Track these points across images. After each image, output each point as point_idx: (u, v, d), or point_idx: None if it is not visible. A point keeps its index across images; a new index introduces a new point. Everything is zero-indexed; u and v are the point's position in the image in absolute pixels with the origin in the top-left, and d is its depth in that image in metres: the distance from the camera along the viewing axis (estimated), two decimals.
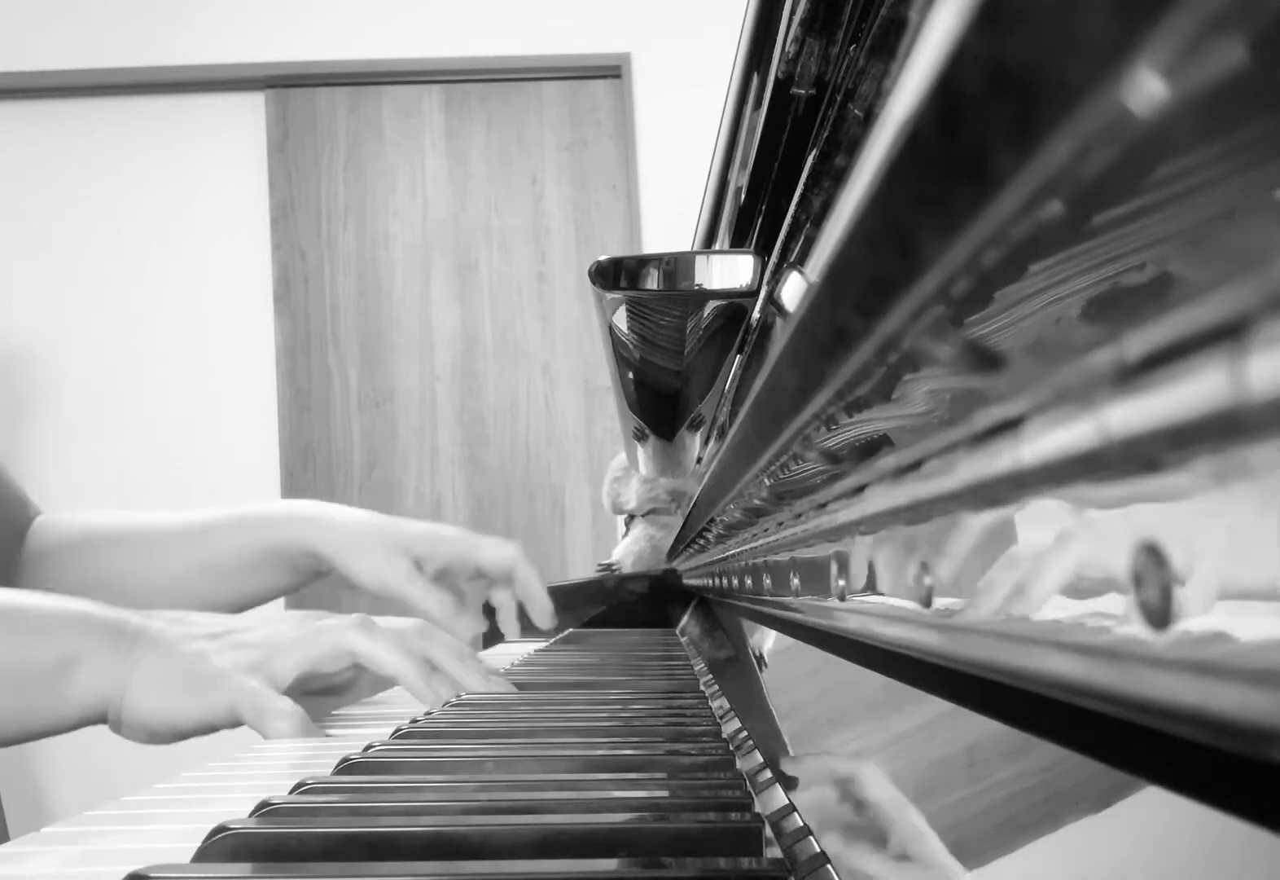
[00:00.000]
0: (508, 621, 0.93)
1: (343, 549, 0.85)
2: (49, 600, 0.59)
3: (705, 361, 0.52)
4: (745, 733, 0.47)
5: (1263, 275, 0.09)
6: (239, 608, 0.87)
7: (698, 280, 0.42)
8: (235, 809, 0.35)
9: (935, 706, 0.24)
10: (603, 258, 0.43)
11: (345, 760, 0.42)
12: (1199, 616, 0.11)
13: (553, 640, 1.14)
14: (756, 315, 0.41)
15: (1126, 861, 0.15)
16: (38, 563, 0.87)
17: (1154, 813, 0.14)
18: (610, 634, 1.20)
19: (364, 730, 0.60)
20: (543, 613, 0.93)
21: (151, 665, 0.58)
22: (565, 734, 0.50)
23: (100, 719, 0.59)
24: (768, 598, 0.50)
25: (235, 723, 0.58)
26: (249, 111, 2.73)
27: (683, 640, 1.08)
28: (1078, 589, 0.14)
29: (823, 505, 0.32)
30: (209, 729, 0.58)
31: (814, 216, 0.27)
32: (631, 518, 1.45)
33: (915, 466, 0.21)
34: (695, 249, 0.52)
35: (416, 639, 0.66)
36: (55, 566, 0.86)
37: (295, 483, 2.64)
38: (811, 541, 0.36)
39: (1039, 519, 0.16)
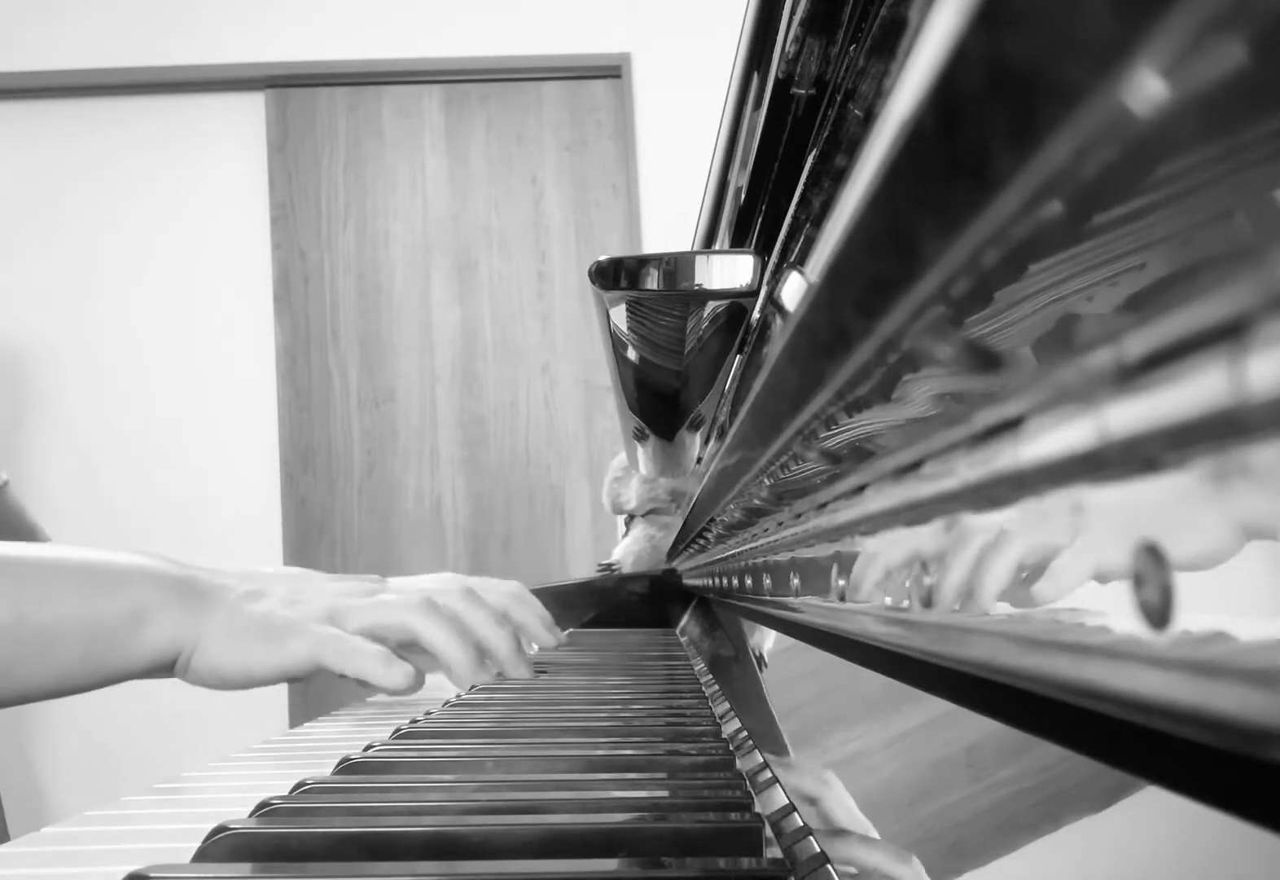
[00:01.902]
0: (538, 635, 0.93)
1: None
2: (120, 555, 0.62)
3: (705, 361, 0.52)
4: (745, 733, 0.47)
5: (1263, 275, 0.09)
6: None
7: (698, 280, 0.42)
8: (235, 809, 0.35)
9: (935, 706, 0.24)
10: (603, 258, 0.43)
11: (345, 760, 0.42)
12: (1199, 616, 0.11)
13: None
14: (756, 315, 0.41)
15: (1126, 861, 0.15)
16: None
17: (1154, 813, 0.14)
18: (610, 634, 1.20)
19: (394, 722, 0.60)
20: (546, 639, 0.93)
21: (225, 619, 0.61)
22: (565, 734, 0.50)
23: (168, 668, 0.61)
24: (768, 598, 0.50)
25: (313, 669, 0.61)
26: (249, 111, 2.73)
27: (683, 640, 1.08)
28: (1077, 589, 0.14)
29: (823, 505, 0.32)
30: (285, 676, 0.61)
31: (814, 216, 0.27)
32: (631, 518, 1.45)
33: (915, 466, 0.21)
34: (695, 249, 0.52)
35: (471, 611, 0.68)
36: None
37: (295, 483, 2.64)
38: (811, 541, 0.36)
39: (1039, 519, 0.16)
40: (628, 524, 1.48)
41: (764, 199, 0.46)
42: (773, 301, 0.32)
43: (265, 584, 0.65)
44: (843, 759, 0.32)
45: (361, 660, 0.60)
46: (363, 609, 0.64)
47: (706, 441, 0.67)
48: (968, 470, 0.18)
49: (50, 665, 0.57)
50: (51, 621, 0.57)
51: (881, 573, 0.26)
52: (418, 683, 0.62)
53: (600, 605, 1.31)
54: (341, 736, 0.58)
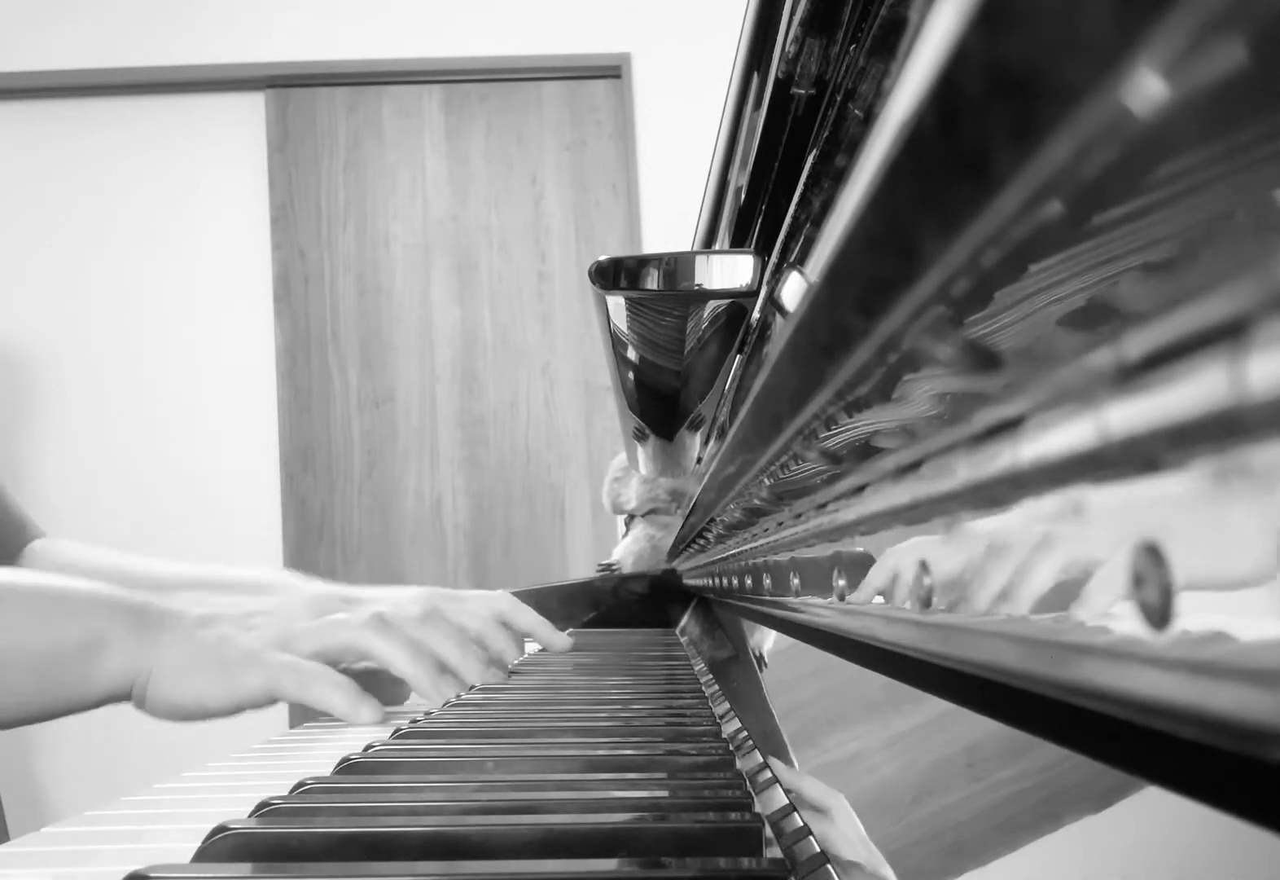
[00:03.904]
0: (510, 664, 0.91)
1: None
2: (74, 582, 0.61)
3: (705, 361, 0.52)
4: (745, 733, 0.47)
5: (1263, 275, 0.09)
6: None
7: (698, 280, 0.42)
8: (235, 809, 0.35)
9: (935, 706, 0.24)
10: (603, 258, 0.43)
11: (345, 760, 0.42)
12: (1198, 616, 0.11)
13: None
14: (756, 315, 0.41)
15: (1126, 861, 0.15)
16: None
17: (1154, 813, 0.14)
18: (610, 634, 1.20)
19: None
20: (554, 642, 0.92)
21: (178, 648, 0.59)
22: (565, 734, 0.50)
23: (124, 698, 0.60)
24: (768, 598, 0.50)
25: (268, 702, 0.59)
26: (249, 111, 2.73)
27: (683, 640, 1.08)
28: (1077, 589, 0.14)
29: (822, 505, 0.32)
30: (240, 709, 0.59)
31: (814, 216, 0.27)
32: (631, 518, 1.45)
33: (915, 466, 0.21)
34: (695, 249, 0.52)
35: (426, 631, 0.66)
36: None
37: (295, 483, 2.64)
38: (811, 541, 0.36)
39: (1039, 519, 0.16)
40: (628, 524, 1.48)
41: (764, 199, 0.46)
42: (773, 301, 0.32)
43: (218, 608, 0.63)
44: (843, 759, 0.32)
45: (322, 689, 0.59)
46: (312, 632, 0.63)
47: (706, 441, 0.67)
48: (968, 470, 0.18)
49: (6, 692, 0.56)
50: (6, 647, 0.56)
51: (881, 573, 0.26)
52: (381, 715, 0.60)
53: (600, 605, 1.31)
54: (341, 736, 0.58)
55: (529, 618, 0.89)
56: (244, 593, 0.80)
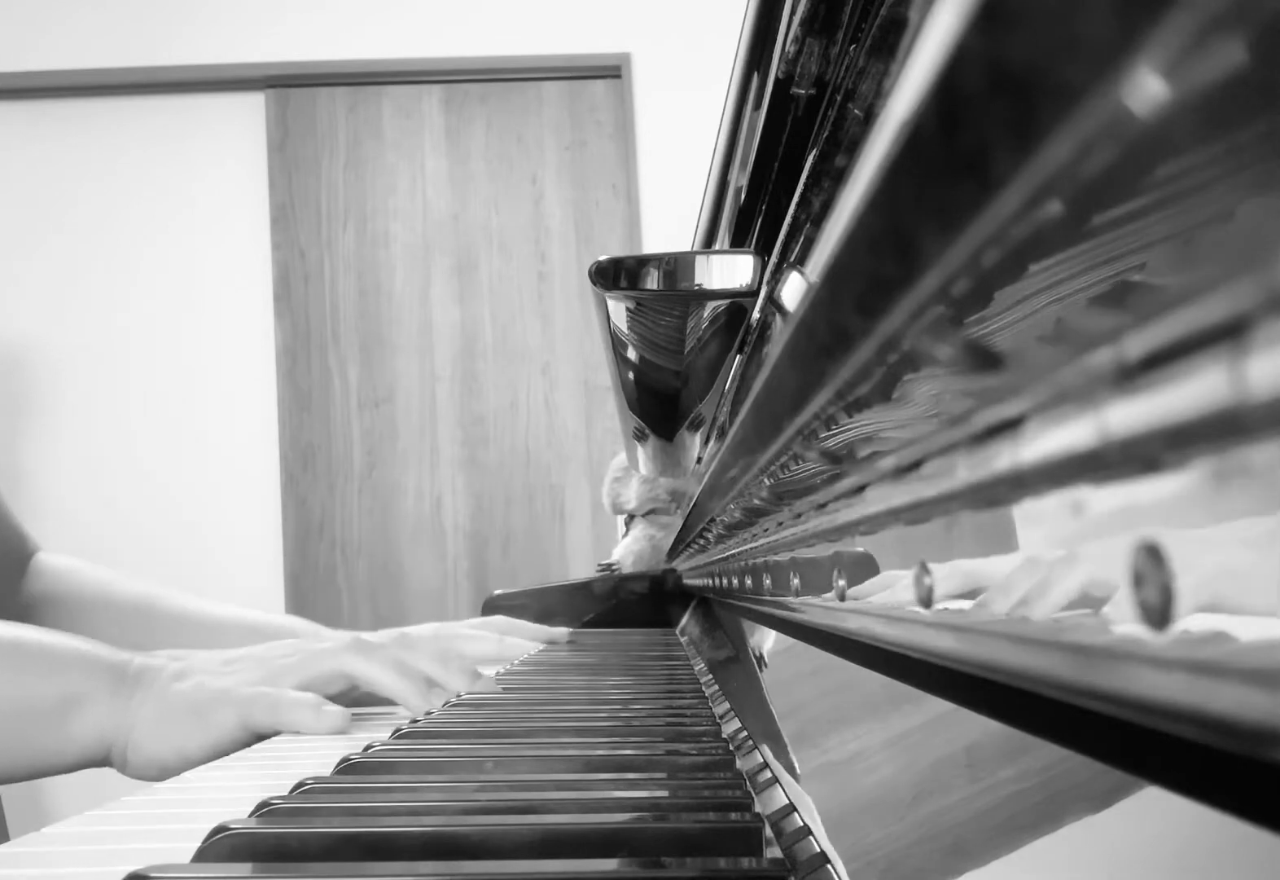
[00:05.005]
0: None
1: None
2: (51, 637, 0.59)
3: (705, 361, 0.52)
4: (745, 733, 0.47)
5: (1263, 275, 0.09)
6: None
7: (698, 280, 0.42)
8: (235, 809, 0.35)
9: (935, 706, 0.24)
10: (603, 258, 0.43)
11: (345, 760, 0.42)
12: (1198, 616, 0.11)
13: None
14: (756, 315, 0.41)
15: (1126, 861, 0.15)
16: (47, 608, 0.86)
17: (1154, 813, 0.14)
18: (610, 634, 1.20)
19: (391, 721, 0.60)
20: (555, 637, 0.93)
21: (155, 704, 0.58)
22: (565, 734, 0.50)
23: (102, 760, 0.59)
24: (768, 598, 0.50)
25: (248, 738, 0.58)
26: (249, 111, 2.73)
27: (683, 640, 1.08)
28: (1077, 589, 0.14)
29: (822, 505, 0.32)
30: (221, 751, 0.57)
31: (814, 216, 0.27)
32: (631, 518, 1.45)
33: (915, 466, 0.21)
34: (695, 249, 0.52)
35: (405, 652, 0.66)
36: (70, 620, 0.85)
37: (295, 483, 2.64)
38: (811, 541, 0.36)
39: (1039, 519, 0.16)
40: (628, 524, 1.48)
41: (764, 199, 0.46)
42: (773, 301, 0.32)
43: (195, 663, 0.62)
44: (843, 759, 0.32)
45: (289, 712, 0.57)
46: (294, 666, 0.62)
47: (706, 441, 0.67)
48: (967, 470, 0.18)
49: None
50: None
51: (881, 573, 0.26)
52: (347, 722, 0.59)
53: (600, 605, 1.31)
54: (341, 737, 0.58)
55: (524, 638, 0.91)
56: (272, 638, 0.79)
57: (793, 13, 0.37)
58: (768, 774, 0.38)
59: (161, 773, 0.58)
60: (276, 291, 2.68)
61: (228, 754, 0.58)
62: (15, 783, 0.58)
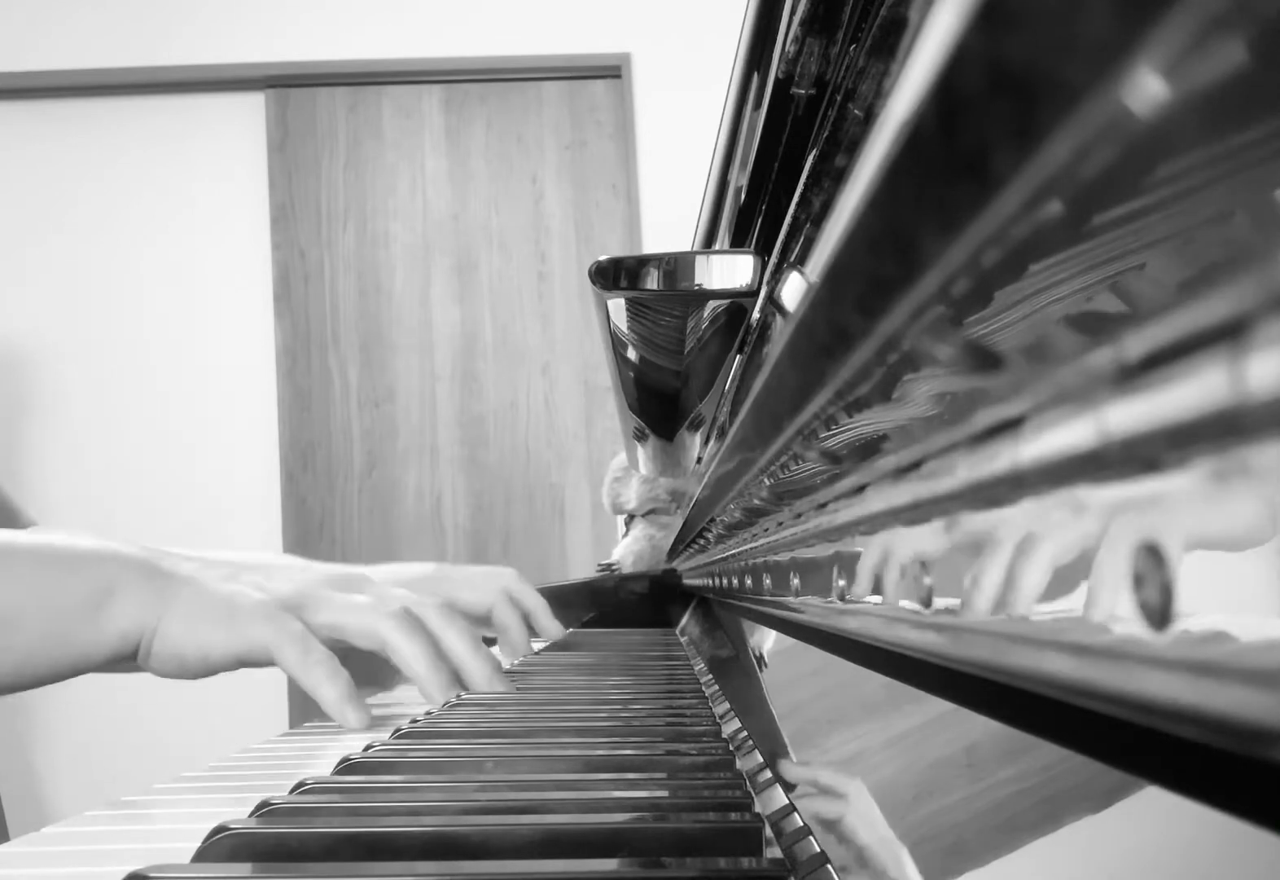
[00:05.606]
0: (517, 642, 0.90)
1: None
2: (80, 538, 0.59)
3: (705, 361, 0.52)
4: (745, 733, 0.47)
5: (1263, 275, 0.09)
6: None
7: (698, 280, 0.42)
8: (235, 809, 0.35)
9: (935, 706, 0.24)
10: (603, 258, 0.43)
11: (345, 760, 0.42)
12: (1198, 616, 0.11)
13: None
14: (756, 315, 0.41)
15: (1126, 861, 0.15)
16: None
17: (1154, 813, 0.14)
18: (610, 634, 1.20)
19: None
20: (548, 628, 0.93)
21: (188, 598, 0.58)
22: (565, 734, 0.50)
23: (132, 653, 0.58)
24: (768, 598, 0.50)
25: (267, 661, 0.57)
26: (249, 111, 2.73)
27: (683, 640, 1.08)
28: (1077, 589, 0.14)
29: (823, 505, 0.32)
30: (241, 663, 0.57)
31: (814, 216, 0.27)
32: (631, 518, 1.45)
33: (915, 466, 0.21)
34: (695, 249, 0.52)
35: (445, 628, 0.64)
36: None
37: (295, 483, 2.64)
38: (811, 541, 0.36)
39: (1039, 519, 0.16)
40: (628, 524, 1.48)
41: (764, 199, 0.46)
42: (773, 301, 0.32)
43: (234, 569, 0.61)
44: (843, 759, 0.32)
45: (318, 676, 0.56)
46: (334, 605, 0.60)
47: (706, 441, 0.67)
48: (967, 470, 0.18)
49: (10, 650, 0.54)
50: (8, 603, 0.54)
51: (881, 573, 0.26)
52: (369, 723, 0.58)
53: (600, 605, 1.31)
54: (341, 737, 0.58)
55: (532, 599, 0.91)
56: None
57: (793, 13, 0.37)
58: (768, 774, 0.38)
59: (180, 669, 0.58)
60: (276, 291, 2.68)
61: (245, 666, 0.57)
62: (60, 680, 0.57)
